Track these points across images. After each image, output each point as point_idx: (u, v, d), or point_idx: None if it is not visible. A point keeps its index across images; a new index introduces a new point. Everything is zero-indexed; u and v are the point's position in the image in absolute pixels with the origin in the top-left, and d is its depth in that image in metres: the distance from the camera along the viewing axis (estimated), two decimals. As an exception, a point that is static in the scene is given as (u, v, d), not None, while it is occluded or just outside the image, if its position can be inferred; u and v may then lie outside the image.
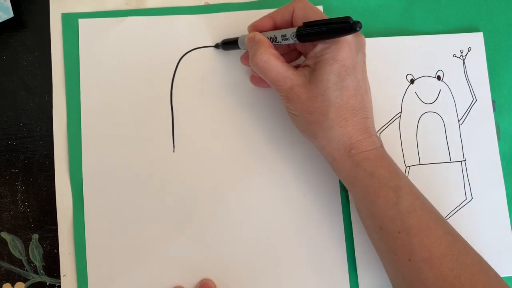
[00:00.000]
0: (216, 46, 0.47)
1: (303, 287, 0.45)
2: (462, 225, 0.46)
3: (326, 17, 0.39)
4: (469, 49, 0.49)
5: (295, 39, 0.38)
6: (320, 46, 0.38)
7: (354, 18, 0.49)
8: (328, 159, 0.41)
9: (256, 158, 0.47)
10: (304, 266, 0.45)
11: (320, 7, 0.48)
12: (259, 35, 0.40)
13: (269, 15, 0.42)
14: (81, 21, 0.47)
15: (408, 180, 0.39)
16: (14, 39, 0.48)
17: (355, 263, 0.46)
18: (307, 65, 0.39)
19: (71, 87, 0.47)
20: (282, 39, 0.39)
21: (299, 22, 0.39)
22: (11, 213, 0.45)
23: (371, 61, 0.42)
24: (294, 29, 0.38)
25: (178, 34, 0.48)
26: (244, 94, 0.47)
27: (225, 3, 0.49)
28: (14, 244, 0.45)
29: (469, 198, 0.47)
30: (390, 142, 0.47)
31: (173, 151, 0.46)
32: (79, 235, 0.45)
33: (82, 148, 0.46)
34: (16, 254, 0.45)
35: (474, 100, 0.49)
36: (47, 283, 0.45)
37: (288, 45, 0.43)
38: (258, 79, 0.45)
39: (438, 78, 0.49)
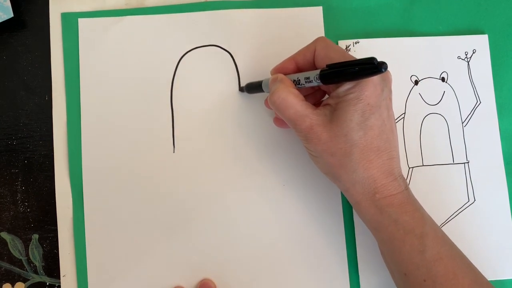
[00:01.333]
0: (241, 90, 0.47)
1: (302, 287, 0.45)
2: (465, 227, 0.46)
3: (347, 55, 0.37)
4: (474, 51, 0.49)
5: (319, 81, 0.37)
6: (344, 86, 0.36)
7: (354, 18, 0.49)
8: (351, 201, 0.39)
9: (256, 158, 0.46)
10: (304, 266, 0.45)
11: (320, 8, 0.48)
12: (281, 76, 0.40)
13: (291, 57, 0.41)
14: (81, 21, 0.47)
15: (435, 224, 0.39)
16: (14, 39, 0.48)
17: (357, 263, 0.45)
18: (328, 104, 0.38)
19: (71, 87, 0.47)
20: (305, 82, 0.38)
21: (321, 61, 0.38)
22: (11, 213, 0.46)
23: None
24: (317, 72, 0.37)
25: (178, 32, 0.47)
26: (245, 93, 0.47)
27: (225, 0, 0.48)
28: (14, 244, 0.45)
29: (471, 200, 0.47)
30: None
31: (173, 152, 0.46)
32: (79, 235, 0.45)
33: (82, 148, 0.46)
34: (16, 254, 0.45)
35: (478, 102, 0.48)
36: (47, 283, 0.45)
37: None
38: (282, 121, 0.44)
39: (443, 79, 0.48)
